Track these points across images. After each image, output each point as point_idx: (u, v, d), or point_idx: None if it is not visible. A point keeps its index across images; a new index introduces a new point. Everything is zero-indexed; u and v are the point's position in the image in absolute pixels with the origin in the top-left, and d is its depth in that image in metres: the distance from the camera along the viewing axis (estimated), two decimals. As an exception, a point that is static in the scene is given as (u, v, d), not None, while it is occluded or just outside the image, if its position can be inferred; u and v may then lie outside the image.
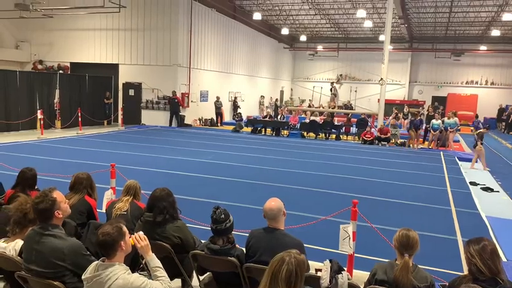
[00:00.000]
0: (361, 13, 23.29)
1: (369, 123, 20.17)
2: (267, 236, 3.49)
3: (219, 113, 24.38)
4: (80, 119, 18.03)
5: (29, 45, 23.34)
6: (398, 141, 18.78)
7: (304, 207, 7.73)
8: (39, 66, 22.68)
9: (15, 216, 3.42)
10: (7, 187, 5.06)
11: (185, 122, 22.03)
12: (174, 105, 21.17)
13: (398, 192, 9.70)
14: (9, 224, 3.47)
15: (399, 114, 23.60)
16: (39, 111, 16.26)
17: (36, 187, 4.67)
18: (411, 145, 18.17)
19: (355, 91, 34.95)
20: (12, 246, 3.31)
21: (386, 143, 18.43)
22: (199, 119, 23.53)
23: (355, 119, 21.33)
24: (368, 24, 26.65)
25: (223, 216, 3.53)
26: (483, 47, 31.98)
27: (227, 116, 25.98)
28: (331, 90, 27.58)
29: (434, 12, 26.57)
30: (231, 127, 22.35)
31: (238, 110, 25.65)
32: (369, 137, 18.65)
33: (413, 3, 24.88)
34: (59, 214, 3.19)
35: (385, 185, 10.40)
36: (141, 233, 3.06)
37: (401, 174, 11.88)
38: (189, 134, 19.12)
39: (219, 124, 24.08)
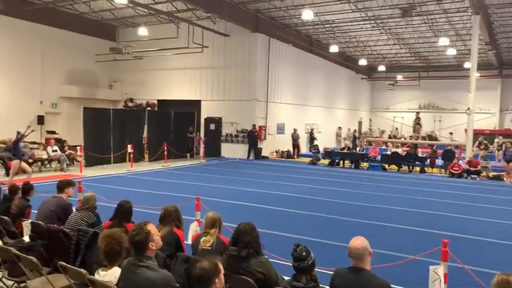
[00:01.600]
0: (443, 41, 22.42)
1: (456, 155, 19.01)
2: (353, 276, 3.39)
3: (295, 145, 24.46)
4: (165, 153, 19.04)
5: (121, 84, 25.43)
6: (490, 175, 17.42)
7: (389, 245, 7.38)
8: (130, 104, 24.50)
9: (104, 248, 3.60)
10: (103, 218, 5.46)
11: (262, 154, 22.36)
12: (253, 138, 21.66)
13: (493, 230, 8.94)
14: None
15: (484, 142, 21.93)
16: (129, 146, 17.44)
17: (131, 219, 4.98)
18: (505, 179, 16.76)
19: (439, 121, 33.27)
20: (112, 273, 3.51)
21: (476, 176, 17.18)
22: (276, 151, 23.76)
23: (441, 151, 20.20)
24: (451, 52, 25.53)
25: (304, 253, 3.49)
26: None
27: (303, 148, 25.96)
28: (415, 120, 26.54)
29: (526, 35, 24.86)
30: (308, 159, 22.25)
31: (315, 142, 25.55)
32: (457, 170, 17.53)
33: (501, 28, 23.48)
34: (152, 246, 3.37)
35: (477, 222, 9.65)
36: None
37: (493, 211, 10.96)
38: (267, 166, 19.32)
39: (295, 156, 24.11)
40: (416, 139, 24.08)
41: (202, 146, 21.41)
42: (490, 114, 32.78)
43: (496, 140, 24.99)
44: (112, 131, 18.47)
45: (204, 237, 4.42)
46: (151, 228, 3.42)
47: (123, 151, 18.15)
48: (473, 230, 8.89)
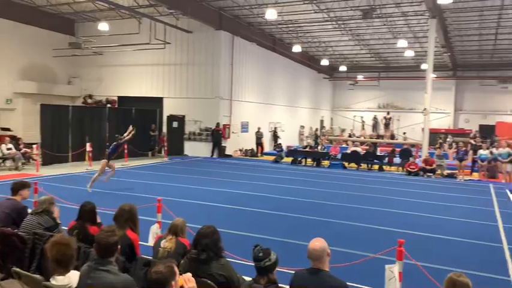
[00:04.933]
0: (402, 43, 23.13)
1: (413, 154, 19.68)
2: (311, 278, 3.47)
3: (259, 144, 24.61)
4: (125, 151, 18.67)
5: (79, 80, 24.71)
6: (444, 173, 18.16)
7: (347, 243, 7.57)
8: (89, 101, 23.87)
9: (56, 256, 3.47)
10: (60, 220, 5.31)
11: (226, 152, 22.35)
12: (217, 136, 21.60)
13: (446, 227, 9.34)
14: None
15: (444, 144, 22.98)
16: (88, 144, 17.00)
17: (99, 221, 4.85)
18: (458, 177, 17.52)
19: (398, 120, 34.35)
20: (70, 276, 3.40)
21: (432, 174, 17.87)
22: (240, 150, 23.81)
23: (399, 149, 20.89)
24: (409, 53, 26.37)
25: (261, 254, 3.52)
26: (532, 74, 30.83)
27: (267, 147, 26.16)
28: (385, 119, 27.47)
29: (478, 40, 26.01)
30: (272, 157, 22.44)
31: (279, 141, 25.79)
32: (414, 168, 18.17)
33: (456, 32, 24.48)
34: (118, 249, 3.34)
35: (432, 220, 10.04)
36: (189, 274, 3.13)
37: (448, 208, 11.46)
38: (231, 165, 19.33)
39: (259, 154, 24.25)
40: (383, 138, 24.98)
41: (164, 144, 21.14)
42: (445, 114, 34.15)
43: (447, 139, 26.05)
44: (70, 128, 17.95)
45: (164, 243, 4.40)
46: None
47: (82, 149, 17.67)
48: (429, 227, 9.24)
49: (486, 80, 32.52)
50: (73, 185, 12.78)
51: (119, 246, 3.36)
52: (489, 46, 27.48)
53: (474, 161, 18.43)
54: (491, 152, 17.29)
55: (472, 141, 22.03)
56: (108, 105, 22.58)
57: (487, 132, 29.05)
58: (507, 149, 16.90)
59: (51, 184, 12.51)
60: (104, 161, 12.30)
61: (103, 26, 20.30)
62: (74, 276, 3.41)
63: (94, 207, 4.92)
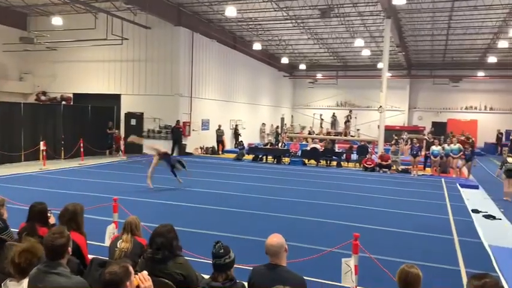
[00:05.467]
0: (359, 42, 23.70)
1: (370, 150, 20.25)
2: (269, 273, 3.50)
3: (220, 141, 24.54)
4: (82, 150, 18.14)
5: (32, 76, 23.72)
6: (399, 168, 18.79)
7: (306, 239, 7.71)
8: (42, 98, 22.96)
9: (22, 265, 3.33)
10: (12, 222, 5.08)
11: (186, 150, 22.13)
12: (177, 134, 21.34)
13: (401, 221, 9.68)
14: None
15: (399, 141, 23.76)
16: (41, 143, 16.37)
17: (53, 223, 4.67)
18: (412, 172, 18.17)
19: (355, 118, 35.21)
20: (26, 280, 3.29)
21: (387, 169, 18.45)
22: (201, 148, 23.65)
23: (356, 146, 21.43)
24: (366, 52, 27.07)
25: (222, 251, 3.53)
26: (481, 73, 32.42)
27: (228, 144, 26.13)
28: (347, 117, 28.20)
29: (431, 40, 27.04)
30: (233, 155, 22.43)
31: (240, 138, 25.81)
32: (370, 164, 18.70)
33: (410, 32, 25.34)
34: (69, 251, 3.24)
35: (387, 214, 10.39)
36: (145, 272, 3.08)
37: (403, 202, 11.87)
38: (191, 163, 19.10)
39: (220, 152, 24.19)
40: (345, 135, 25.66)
41: (122, 142, 20.64)
42: (400, 111, 35.33)
43: (402, 136, 26.97)
44: (23, 126, 17.23)
45: (120, 243, 4.32)
46: (68, 232, 3.30)
47: (35, 148, 17.00)
48: (383, 220, 9.55)
49: (438, 79, 33.90)
50: (26, 185, 12.28)
51: (69, 248, 3.25)
52: (441, 46, 28.65)
53: (427, 157, 19.17)
54: (443, 148, 18.04)
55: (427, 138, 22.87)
56: (63, 103, 21.81)
57: (439, 129, 30.29)
58: (458, 145, 17.69)
59: (2, 185, 11.97)
60: (156, 157, 12.72)
61: (57, 21, 19.54)
62: (26, 281, 3.29)
63: (44, 208, 4.73)
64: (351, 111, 32.93)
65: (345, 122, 33.65)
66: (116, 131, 21.59)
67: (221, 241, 3.62)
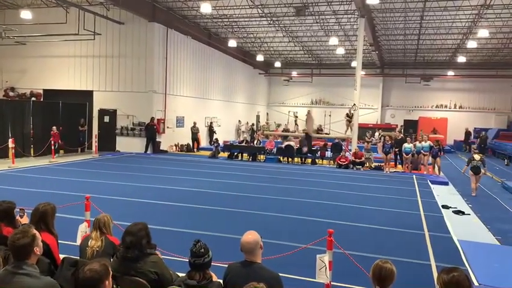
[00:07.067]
0: (333, 41, 23.92)
1: (344, 148, 20.50)
2: (244, 270, 3.50)
3: (195, 139, 24.38)
4: (52, 147, 17.70)
5: (0, 72, 22.97)
6: (372, 165, 19.10)
7: (281, 235, 7.75)
8: (11, 94, 22.29)
9: None
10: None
11: (161, 148, 21.89)
12: (151, 131, 21.07)
13: (373, 217, 9.83)
14: None
15: (373, 138, 24.16)
16: (10, 140, 15.90)
17: (24, 222, 4.52)
18: (384, 169, 18.49)
19: (329, 115, 35.59)
20: None
21: (361, 167, 18.72)
22: (176, 145, 23.44)
23: (331, 143, 21.65)
24: (340, 51, 27.36)
25: (202, 250, 3.49)
26: (450, 73, 33.25)
27: (203, 142, 25.99)
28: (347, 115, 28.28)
29: (403, 39, 27.55)
30: (208, 152, 22.33)
31: (215, 136, 25.71)
32: (344, 161, 18.92)
33: (383, 31, 25.76)
34: (37, 251, 3.14)
35: (361, 210, 10.54)
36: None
37: (376, 199, 12.06)
38: (166, 161, 18.98)
39: (195, 150, 24.04)
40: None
41: (94, 139, 20.26)
42: (373, 109, 35.92)
43: (376, 134, 27.42)
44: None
45: (91, 242, 4.23)
46: (36, 232, 3.20)
47: (3, 146, 16.49)
48: (357, 217, 9.69)
49: (410, 78, 34.61)
50: (-7, 184, 11.89)
51: (36, 248, 3.16)
52: (413, 46, 29.23)
53: (396, 154, 19.47)
54: (414, 146, 18.41)
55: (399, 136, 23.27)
56: (33, 99, 21.22)
57: (411, 127, 30.94)
58: (428, 143, 18.10)
59: (-33, 183, 11.57)
60: None
61: (26, 14, 18.96)
62: None
63: (10, 206, 4.56)
64: (350, 109, 33.27)
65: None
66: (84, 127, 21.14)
67: (201, 240, 3.58)
